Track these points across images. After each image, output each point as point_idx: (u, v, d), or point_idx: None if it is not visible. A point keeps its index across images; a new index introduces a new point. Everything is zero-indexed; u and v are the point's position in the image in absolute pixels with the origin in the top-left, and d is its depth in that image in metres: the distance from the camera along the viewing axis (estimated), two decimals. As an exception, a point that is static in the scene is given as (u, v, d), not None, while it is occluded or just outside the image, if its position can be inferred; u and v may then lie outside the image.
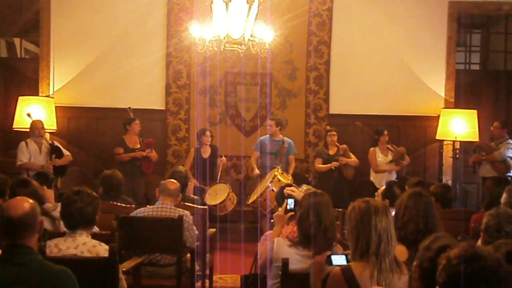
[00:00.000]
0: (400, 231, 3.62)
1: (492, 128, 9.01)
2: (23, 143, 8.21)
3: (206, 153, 8.80)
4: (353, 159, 8.82)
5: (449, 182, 9.47)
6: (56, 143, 8.47)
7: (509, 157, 8.69)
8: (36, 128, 8.30)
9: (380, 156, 8.89)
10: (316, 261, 3.34)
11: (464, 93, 9.51)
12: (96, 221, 3.91)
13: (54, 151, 8.27)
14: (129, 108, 8.95)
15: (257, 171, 8.61)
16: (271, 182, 7.78)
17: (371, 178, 8.86)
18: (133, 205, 5.84)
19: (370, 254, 3.13)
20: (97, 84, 9.58)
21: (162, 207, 5.35)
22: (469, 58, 10.50)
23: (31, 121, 8.45)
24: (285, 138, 8.75)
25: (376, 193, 6.27)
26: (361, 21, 9.69)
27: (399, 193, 5.24)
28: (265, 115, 9.38)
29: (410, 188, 4.76)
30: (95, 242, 3.78)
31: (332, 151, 8.84)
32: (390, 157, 8.87)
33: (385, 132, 8.90)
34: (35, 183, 4.94)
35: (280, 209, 4.46)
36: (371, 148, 8.96)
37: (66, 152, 8.45)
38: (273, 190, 7.43)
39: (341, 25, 9.69)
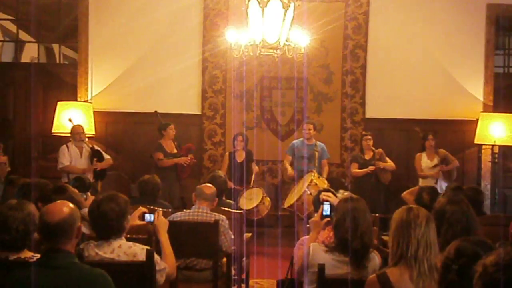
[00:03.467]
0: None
1: None
2: (64, 146, 8.34)
3: (241, 157, 8.82)
4: (389, 163, 8.75)
5: (488, 187, 9.34)
6: (97, 147, 8.59)
7: None
8: (77, 132, 8.42)
9: (425, 161, 8.79)
10: (370, 280, 3.30)
11: (503, 96, 9.37)
12: (126, 227, 3.88)
13: (96, 155, 8.39)
14: (156, 112, 9.03)
15: (291, 171, 8.59)
16: (308, 186, 7.75)
17: (420, 184, 8.73)
18: (170, 209, 5.88)
19: (408, 257, 3.13)
20: (134, 89, 9.68)
21: (198, 212, 5.37)
22: (508, 61, 10.35)
23: (72, 125, 8.59)
24: (318, 142, 8.71)
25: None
26: (398, 25, 9.62)
27: (427, 199, 5.20)
28: (300, 120, 9.36)
29: (447, 194, 4.70)
30: (130, 243, 3.79)
31: (368, 156, 8.79)
32: (435, 161, 8.75)
33: (430, 137, 8.79)
34: (71, 188, 5.00)
35: (316, 214, 4.45)
36: (418, 154, 8.88)
37: (106, 156, 8.57)
38: (310, 194, 7.41)
39: (377, 29, 9.64)
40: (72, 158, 8.29)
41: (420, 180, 8.77)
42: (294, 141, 8.85)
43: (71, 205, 3.11)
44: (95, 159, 8.34)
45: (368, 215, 4.01)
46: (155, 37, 9.68)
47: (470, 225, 3.78)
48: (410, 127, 9.31)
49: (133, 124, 9.77)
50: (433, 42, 9.61)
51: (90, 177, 8.00)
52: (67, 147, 8.34)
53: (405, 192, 6.37)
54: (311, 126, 8.68)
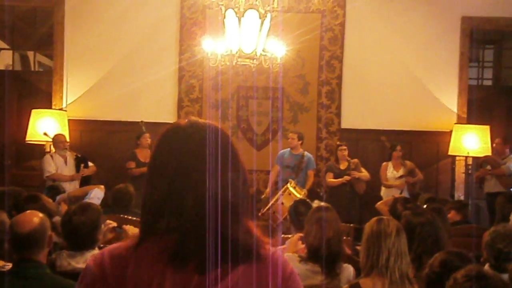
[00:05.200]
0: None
1: (494, 144, 8.96)
2: (48, 155, 8.46)
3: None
4: (364, 173, 8.80)
5: (462, 198, 9.42)
6: (79, 155, 8.62)
7: None
8: (61, 141, 8.52)
9: (391, 171, 8.87)
10: None
11: (476, 108, 9.48)
12: (99, 238, 3.86)
13: (81, 162, 8.42)
14: (141, 121, 9.00)
15: (267, 191, 8.61)
16: (281, 195, 7.77)
17: (381, 193, 8.83)
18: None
19: (380, 267, 3.16)
20: (110, 98, 9.62)
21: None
22: (481, 73, 10.49)
23: (54, 135, 8.62)
24: (306, 152, 8.74)
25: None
26: (374, 36, 9.70)
27: (401, 210, 5.25)
28: (276, 129, 9.39)
29: (421, 204, 4.74)
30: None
31: (343, 166, 8.82)
32: (401, 172, 8.83)
33: (398, 148, 8.87)
34: (44, 197, 4.96)
35: (294, 230, 4.47)
36: (384, 163, 8.95)
37: (90, 163, 8.61)
38: (282, 204, 7.44)
39: (353, 40, 9.71)
40: (57, 167, 8.32)
41: (383, 189, 8.86)
42: (282, 151, 8.87)
43: (41, 214, 3.09)
44: (82, 166, 8.38)
45: (338, 224, 4.04)
46: (132, 45, 9.65)
47: (439, 237, 3.82)
48: (385, 138, 9.37)
49: (109, 133, 9.71)
50: (408, 54, 9.70)
51: (77, 184, 8.28)
52: (51, 156, 8.40)
53: (379, 203, 6.42)
54: (295, 136, 8.72)
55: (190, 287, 1.51)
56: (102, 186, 6.54)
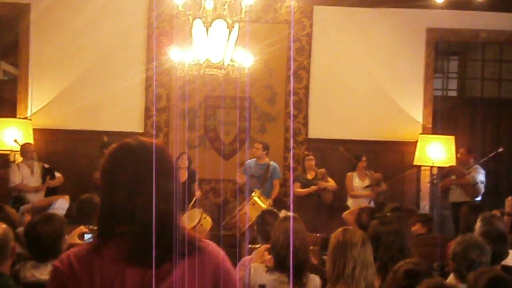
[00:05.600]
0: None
1: (459, 154, 9.08)
2: (14, 165, 8.40)
3: (183, 177, 8.75)
4: (331, 183, 8.84)
5: (427, 208, 9.53)
6: (47, 165, 8.52)
7: (480, 180, 8.77)
8: (28, 151, 8.44)
9: (357, 181, 8.93)
10: None
11: (441, 119, 9.61)
12: (62, 249, 3.81)
13: (48, 173, 8.32)
14: (105, 136, 8.92)
15: (243, 179, 8.59)
16: (245, 205, 7.75)
17: (348, 203, 8.87)
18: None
19: (345, 277, 3.17)
20: (76, 107, 9.52)
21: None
22: (446, 84, 10.63)
23: (22, 144, 8.53)
24: (271, 162, 8.76)
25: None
26: (340, 47, 9.78)
27: (366, 220, 5.28)
28: (244, 139, 9.40)
29: (384, 215, 4.77)
30: None
31: (310, 176, 8.85)
32: (367, 182, 8.90)
33: (363, 158, 8.95)
34: (8, 208, 4.89)
35: (261, 240, 4.46)
36: (349, 173, 9.01)
37: (58, 174, 8.50)
38: (245, 214, 7.44)
39: (320, 51, 9.78)
40: (23, 177, 8.22)
41: (350, 199, 8.90)
42: (248, 161, 8.87)
43: (4, 225, 3.04)
44: (48, 177, 8.28)
45: (303, 233, 4.05)
46: (98, 54, 9.57)
47: (404, 245, 3.85)
48: (352, 148, 9.45)
49: (74, 142, 9.60)
50: (374, 65, 9.80)
51: (42, 195, 8.20)
52: (18, 166, 8.34)
53: (345, 212, 6.45)
54: (259, 146, 8.73)
55: (146, 280, 1.80)
56: (67, 196, 6.48)
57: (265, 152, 8.75)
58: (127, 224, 1.85)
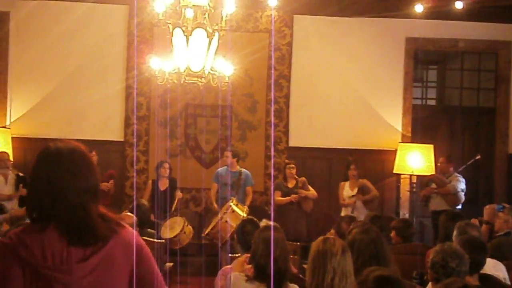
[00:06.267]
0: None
1: (438, 163, 9.13)
2: None
3: (164, 185, 8.75)
4: (312, 192, 8.84)
5: (406, 216, 9.56)
6: (21, 174, 8.49)
7: (461, 189, 8.83)
8: (2, 159, 8.47)
9: (346, 190, 8.93)
10: None
11: (420, 127, 9.69)
12: None
13: (21, 181, 8.30)
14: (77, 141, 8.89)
15: (215, 206, 8.59)
16: (225, 213, 7.74)
17: (342, 214, 8.80)
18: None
19: (325, 285, 3.17)
20: (56, 115, 9.48)
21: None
22: (425, 93, 10.70)
23: None
24: (243, 169, 8.76)
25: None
26: (321, 56, 9.83)
27: (346, 228, 5.30)
28: (225, 147, 9.38)
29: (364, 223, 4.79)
30: None
31: (291, 184, 8.85)
32: (355, 191, 8.89)
33: (352, 166, 8.92)
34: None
35: (241, 249, 4.45)
36: (341, 182, 9.01)
37: None
38: (226, 222, 7.43)
39: (300, 60, 9.82)
40: None
41: (343, 209, 8.90)
42: (218, 169, 8.86)
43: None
44: (21, 185, 8.26)
45: (284, 243, 4.05)
46: (78, 62, 9.53)
47: (379, 253, 3.86)
48: (332, 156, 9.49)
49: (53, 151, 9.51)
50: (354, 74, 9.86)
51: (15, 203, 8.22)
52: None
53: None
54: (229, 154, 8.71)
55: (87, 254, 2.22)
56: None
57: (235, 159, 8.74)
58: (53, 211, 2.24)
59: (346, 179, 9.01)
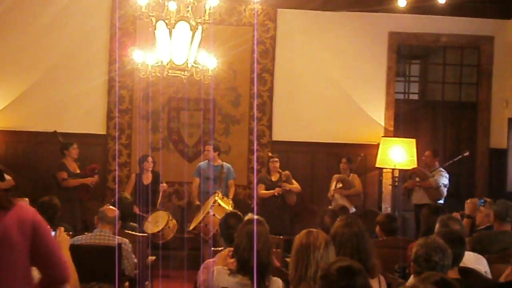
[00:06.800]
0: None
1: (424, 157, 9.16)
2: None
3: (148, 179, 8.72)
4: (295, 185, 8.87)
5: (388, 210, 9.62)
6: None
7: (443, 184, 8.87)
8: None
9: (334, 184, 9.00)
10: None
11: (403, 122, 9.72)
12: None
13: None
14: (55, 131, 8.84)
15: (197, 202, 8.58)
16: (211, 207, 7.73)
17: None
18: (71, 233, 5.72)
19: (308, 279, 3.18)
20: (37, 108, 9.41)
21: (100, 235, 5.27)
22: (408, 88, 10.73)
23: None
24: (224, 163, 8.75)
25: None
26: (304, 50, 9.83)
27: (329, 222, 5.32)
28: (208, 141, 9.36)
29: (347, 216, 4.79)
30: None
31: (274, 178, 8.87)
32: (340, 184, 8.94)
33: (343, 160, 9.08)
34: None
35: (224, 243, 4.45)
36: (334, 175, 9.12)
37: (7, 176, 8.30)
38: (214, 215, 7.42)
39: (284, 54, 9.82)
40: None
41: (333, 203, 8.96)
42: (200, 163, 8.85)
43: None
44: None
45: (267, 236, 4.06)
46: (60, 55, 9.46)
47: (361, 246, 3.88)
48: (315, 150, 9.51)
49: (35, 144, 9.46)
50: (337, 69, 9.88)
51: None
52: None
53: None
54: (210, 148, 8.69)
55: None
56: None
57: (216, 153, 8.72)
58: None
59: (339, 173, 9.10)
